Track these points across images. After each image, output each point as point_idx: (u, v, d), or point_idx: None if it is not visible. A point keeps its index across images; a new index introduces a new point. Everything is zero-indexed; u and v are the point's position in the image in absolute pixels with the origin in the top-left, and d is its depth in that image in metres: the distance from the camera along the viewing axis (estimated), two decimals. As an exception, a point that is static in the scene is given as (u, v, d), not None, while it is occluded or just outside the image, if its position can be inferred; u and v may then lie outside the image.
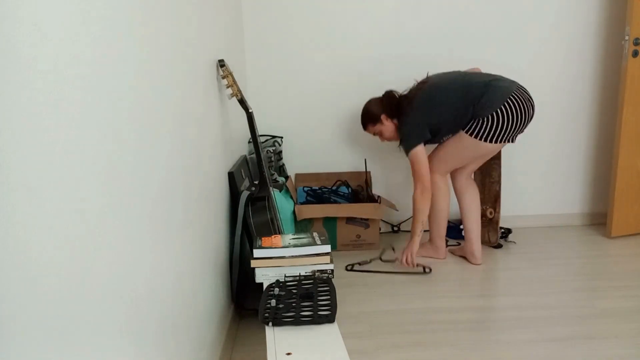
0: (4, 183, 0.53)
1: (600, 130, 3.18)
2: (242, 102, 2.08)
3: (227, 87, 1.98)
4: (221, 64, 1.95)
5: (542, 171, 3.21)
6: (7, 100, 0.54)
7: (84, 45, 0.74)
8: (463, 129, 2.44)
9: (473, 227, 2.64)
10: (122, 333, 0.84)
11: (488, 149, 2.44)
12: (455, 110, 2.41)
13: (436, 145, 2.63)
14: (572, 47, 3.06)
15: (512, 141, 2.45)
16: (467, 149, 2.46)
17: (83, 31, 0.74)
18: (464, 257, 2.73)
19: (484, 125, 2.37)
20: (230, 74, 1.97)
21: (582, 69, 3.09)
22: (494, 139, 2.39)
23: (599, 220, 3.27)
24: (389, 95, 2.61)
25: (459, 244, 2.94)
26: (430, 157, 2.59)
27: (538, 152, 3.18)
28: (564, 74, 3.09)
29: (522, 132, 2.44)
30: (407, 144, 2.49)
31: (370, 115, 2.63)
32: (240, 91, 2.04)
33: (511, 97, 2.35)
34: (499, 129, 2.36)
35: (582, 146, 3.20)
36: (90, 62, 0.76)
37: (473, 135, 2.41)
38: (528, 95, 2.40)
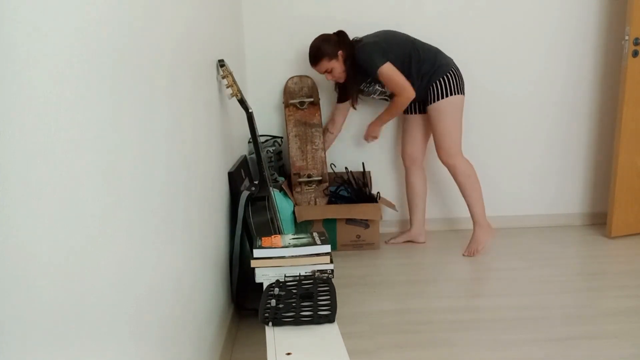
0: (4, 183, 0.53)
1: (600, 130, 3.18)
2: (242, 102, 2.08)
3: (227, 87, 1.98)
4: (221, 64, 1.95)
5: (542, 171, 3.21)
6: (7, 100, 0.54)
7: (83, 45, 0.74)
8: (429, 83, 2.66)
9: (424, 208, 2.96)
10: (122, 333, 0.84)
11: (462, 100, 2.68)
12: (404, 49, 2.61)
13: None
14: (572, 47, 3.06)
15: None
16: (454, 109, 2.65)
17: (83, 31, 0.74)
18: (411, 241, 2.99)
19: (451, 80, 2.63)
20: (230, 74, 1.97)
21: (582, 68, 3.09)
22: (462, 90, 2.67)
23: (599, 220, 3.27)
24: (344, 33, 2.69)
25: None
26: (442, 145, 2.68)
27: (538, 152, 3.18)
28: (564, 74, 3.09)
29: None
30: (373, 64, 2.57)
31: (327, 50, 2.62)
32: (240, 91, 2.04)
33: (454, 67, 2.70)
34: (460, 82, 2.66)
35: (582, 146, 3.20)
36: (90, 62, 0.76)
37: (448, 94, 2.62)
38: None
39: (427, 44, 2.69)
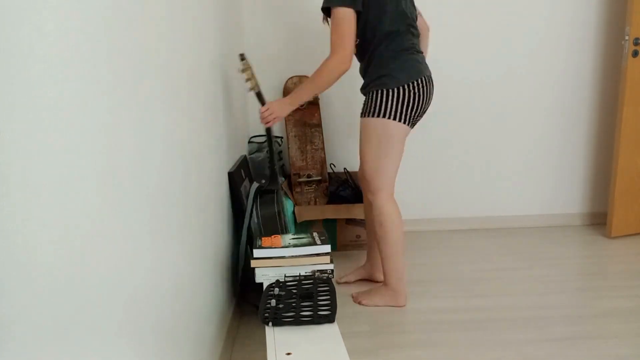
0: (4, 183, 0.53)
1: (600, 130, 3.19)
2: (259, 96, 2.07)
3: (247, 81, 1.98)
4: (242, 57, 1.95)
5: (541, 171, 3.21)
6: (7, 100, 0.54)
7: (83, 45, 0.74)
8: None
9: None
10: (122, 333, 0.84)
11: (399, 129, 2.01)
12: (384, 17, 1.96)
13: None
14: (572, 47, 3.06)
15: (412, 126, 2.06)
16: (385, 137, 2.02)
17: (83, 31, 0.74)
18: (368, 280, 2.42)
19: (393, 99, 1.97)
20: (250, 67, 1.97)
21: (582, 69, 3.09)
22: (406, 119, 2.00)
23: (599, 220, 3.27)
24: None
25: None
26: (364, 172, 2.12)
27: (538, 151, 3.18)
28: (564, 74, 3.09)
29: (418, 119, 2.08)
30: None
31: None
32: (258, 84, 2.03)
33: (424, 78, 2.01)
34: (407, 106, 1.99)
35: (582, 146, 3.20)
36: (90, 62, 0.76)
37: (381, 114, 1.99)
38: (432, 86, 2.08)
39: (416, 38, 2.07)
